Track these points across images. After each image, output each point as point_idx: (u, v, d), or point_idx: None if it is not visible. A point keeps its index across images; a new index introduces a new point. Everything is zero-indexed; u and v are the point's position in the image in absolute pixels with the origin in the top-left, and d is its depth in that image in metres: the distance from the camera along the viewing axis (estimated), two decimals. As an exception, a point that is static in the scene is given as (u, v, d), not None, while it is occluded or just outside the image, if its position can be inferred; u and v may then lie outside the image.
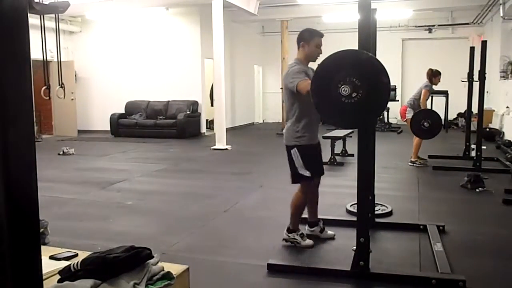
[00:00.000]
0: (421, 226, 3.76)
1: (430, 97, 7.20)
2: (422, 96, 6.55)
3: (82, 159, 7.91)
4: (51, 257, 2.24)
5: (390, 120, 12.60)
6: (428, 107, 6.98)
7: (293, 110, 3.30)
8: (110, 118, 11.35)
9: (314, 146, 3.38)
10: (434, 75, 6.69)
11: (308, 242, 3.42)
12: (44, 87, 3.79)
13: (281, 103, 12.85)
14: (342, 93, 2.62)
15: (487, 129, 9.56)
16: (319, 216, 3.71)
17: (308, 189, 3.41)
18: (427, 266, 3.07)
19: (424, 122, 6.18)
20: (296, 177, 3.34)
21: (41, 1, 1.57)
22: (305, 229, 3.61)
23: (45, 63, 3.65)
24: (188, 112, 11.03)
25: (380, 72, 2.66)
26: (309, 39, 3.34)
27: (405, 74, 14.09)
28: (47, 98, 3.88)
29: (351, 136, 7.46)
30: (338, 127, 3.28)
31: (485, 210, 4.50)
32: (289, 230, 3.46)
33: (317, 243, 3.54)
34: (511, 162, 6.68)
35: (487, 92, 7.94)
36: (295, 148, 3.28)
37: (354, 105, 2.64)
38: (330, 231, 3.69)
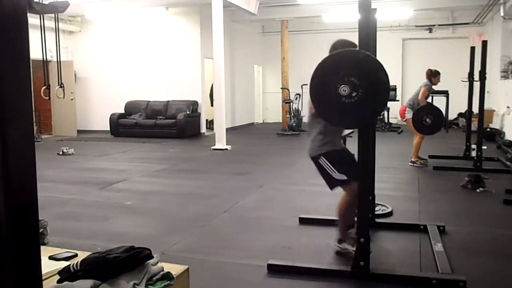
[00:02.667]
0: (422, 226, 3.76)
1: (430, 97, 7.20)
2: (420, 94, 6.54)
3: (82, 159, 7.91)
4: (51, 257, 2.24)
5: (390, 120, 12.59)
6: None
7: (318, 126, 3.21)
8: (110, 118, 11.35)
9: (338, 150, 3.27)
10: (433, 75, 6.69)
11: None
12: (44, 87, 3.79)
13: (281, 103, 12.86)
14: (342, 93, 2.62)
15: (488, 129, 9.56)
16: (319, 216, 3.70)
17: (352, 191, 3.17)
18: (427, 266, 3.07)
19: (426, 118, 6.18)
20: (334, 184, 3.20)
21: (40, 1, 1.57)
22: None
23: (45, 63, 3.64)
24: (188, 112, 11.03)
25: (378, 70, 2.66)
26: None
27: (405, 74, 14.09)
28: (47, 98, 3.88)
29: (351, 136, 7.44)
30: (339, 127, 3.23)
31: (485, 210, 4.50)
32: (339, 241, 3.29)
33: (317, 243, 3.54)
34: (512, 162, 6.68)
35: (487, 92, 7.93)
36: (322, 157, 3.18)
37: (354, 104, 2.64)
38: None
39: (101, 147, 9.64)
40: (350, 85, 2.61)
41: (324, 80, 2.72)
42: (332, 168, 3.15)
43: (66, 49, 12.04)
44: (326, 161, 3.17)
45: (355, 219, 3.33)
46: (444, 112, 11.30)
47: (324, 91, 2.73)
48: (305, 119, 12.93)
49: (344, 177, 3.15)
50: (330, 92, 2.66)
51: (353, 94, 2.63)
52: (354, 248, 3.06)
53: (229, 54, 12.22)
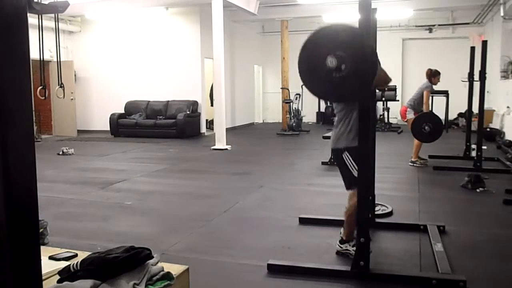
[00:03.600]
0: (422, 226, 3.76)
1: (430, 97, 7.19)
2: (424, 99, 6.50)
3: (82, 159, 7.90)
4: (51, 257, 2.24)
5: (390, 120, 12.59)
6: (429, 107, 6.96)
7: (346, 116, 3.16)
8: (110, 118, 11.35)
9: None
10: (433, 75, 6.68)
11: None
12: (40, 87, 3.78)
13: (281, 103, 12.86)
14: (329, 65, 2.63)
15: (488, 129, 9.56)
16: (319, 216, 3.70)
17: None
18: (427, 266, 3.07)
19: (425, 126, 6.17)
20: (351, 182, 3.14)
21: (40, 1, 1.57)
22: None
23: (42, 63, 3.64)
24: (188, 112, 11.03)
25: (362, 40, 2.70)
26: None
27: (405, 74, 14.09)
28: (43, 98, 3.87)
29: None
30: (332, 101, 3.22)
31: (485, 210, 4.50)
32: (341, 241, 3.28)
33: (316, 243, 3.54)
34: None
35: (487, 92, 7.93)
36: (346, 152, 3.13)
37: (344, 77, 2.66)
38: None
39: (101, 147, 9.64)
40: (337, 58, 2.63)
41: (311, 55, 2.74)
42: (354, 165, 3.08)
43: (66, 49, 12.05)
44: (350, 157, 3.12)
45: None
46: (443, 116, 11.35)
47: (312, 67, 2.75)
48: (305, 119, 12.91)
49: None
50: (319, 67, 2.68)
51: (342, 67, 2.65)
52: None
53: (229, 54, 12.23)
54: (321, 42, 2.77)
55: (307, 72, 2.81)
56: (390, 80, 3.38)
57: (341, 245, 3.27)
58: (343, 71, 2.65)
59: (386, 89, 12.12)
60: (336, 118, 3.25)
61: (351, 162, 3.11)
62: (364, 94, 2.88)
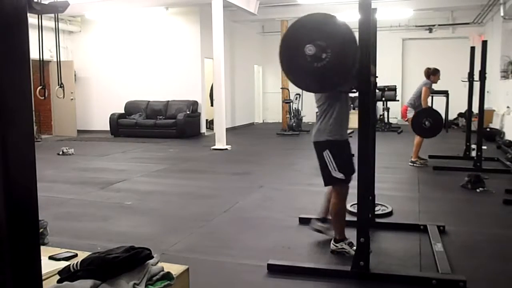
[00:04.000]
0: (422, 226, 3.76)
1: (430, 97, 7.19)
2: (422, 95, 6.53)
3: (82, 159, 7.90)
4: (51, 257, 2.24)
5: (390, 120, 12.59)
6: (428, 103, 6.96)
7: (327, 110, 3.17)
8: (110, 118, 11.35)
9: (345, 141, 3.25)
10: (432, 73, 6.67)
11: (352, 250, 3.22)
12: (40, 87, 3.77)
13: (281, 103, 12.86)
14: (308, 52, 2.64)
15: (488, 129, 9.56)
16: (319, 216, 3.70)
17: (345, 191, 3.23)
18: (427, 266, 3.07)
19: (426, 121, 6.18)
20: (329, 180, 3.19)
21: (40, 1, 1.57)
22: (314, 225, 3.52)
23: (42, 63, 3.63)
24: (188, 112, 11.03)
25: (339, 25, 2.75)
26: None
27: (405, 74, 14.09)
28: (43, 98, 3.87)
29: (351, 136, 7.45)
30: (314, 92, 3.22)
31: (485, 210, 4.50)
32: (336, 240, 3.29)
33: (317, 243, 3.54)
34: None
35: (487, 92, 7.93)
36: (327, 150, 3.14)
37: (326, 66, 2.67)
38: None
39: (101, 147, 9.64)
40: (317, 47, 2.64)
41: (291, 45, 2.76)
42: (334, 164, 3.12)
43: (66, 49, 12.05)
44: (330, 156, 3.13)
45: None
46: (443, 115, 11.35)
47: (293, 57, 2.75)
48: (305, 119, 12.91)
49: (341, 176, 3.15)
50: (299, 57, 2.69)
51: (323, 56, 2.66)
52: (354, 251, 3.06)
53: (229, 54, 12.22)
54: (302, 32, 2.79)
55: (288, 62, 2.83)
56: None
57: (336, 244, 3.28)
58: (324, 60, 2.67)
59: (386, 89, 12.15)
60: (318, 112, 3.25)
61: (331, 161, 3.13)
62: (345, 84, 2.92)
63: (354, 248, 3.16)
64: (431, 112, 6.38)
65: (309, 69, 2.72)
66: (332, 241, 3.31)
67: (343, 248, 3.24)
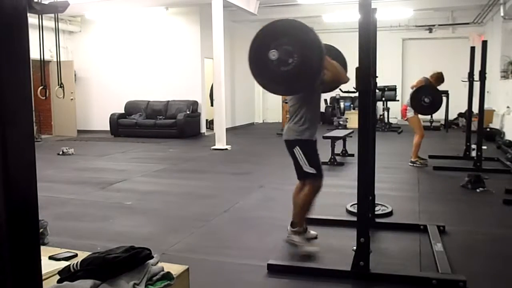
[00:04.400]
0: (422, 226, 3.76)
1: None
2: (416, 81, 6.57)
3: (82, 159, 7.90)
4: (51, 258, 2.24)
5: (390, 120, 12.59)
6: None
7: (298, 110, 3.26)
8: (110, 118, 11.35)
9: (314, 142, 3.35)
10: (436, 79, 6.65)
11: (311, 249, 3.30)
12: (41, 87, 3.78)
13: (282, 103, 12.85)
14: (271, 57, 2.74)
15: (488, 129, 9.56)
16: (319, 216, 3.71)
17: (317, 185, 3.33)
18: (427, 266, 3.07)
19: (425, 98, 6.18)
20: (301, 174, 3.31)
21: (40, 1, 1.57)
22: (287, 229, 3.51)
23: (42, 63, 3.64)
24: (188, 112, 11.03)
25: (306, 31, 2.80)
26: None
27: (405, 74, 14.09)
28: (44, 98, 3.88)
29: (351, 136, 7.47)
30: (281, 95, 3.35)
31: (485, 210, 4.50)
32: (293, 224, 3.37)
33: (317, 243, 3.54)
34: None
35: (487, 92, 7.93)
36: (297, 147, 3.26)
37: (292, 71, 2.77)
38: (313, 232, 3.67)
39: (101, 147, 9.64)
40: (283, 52, 2.74)
41: (259, 50, 2.84)
42: (305, 160, 3.24)
43: (66, 49, 12.05)
44: (301, 152, 3.25)
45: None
46: (443, 116, 11.35)
47: (261, 61, 2.84)
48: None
49: (313, 171, 3.26)
50: (267, 62, 2.79)
51: (289, 61, 2.75)
52: (307, 248, 3.26)
53: (229, 54, 12.21)
54: (269, 37, 2.88)
55: (257, 66, 2.93)
56: (346, 79, 3.40)
57: (293, 229, 3.37)
58: (290, 64, 2.77)
59: (386, 89, 12.15)
60: (290, 112, 3.36)
61: (302, 156, 3.25)
62: (310, 88, 3.04)
63: (309, 244, 3.29)
64: (430, 89, 6.36)
65: (276, 73, 2.84)
66: (290, 226, 3.39)
67: (296, 241, 3.34)
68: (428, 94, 6.21)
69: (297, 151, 3.26)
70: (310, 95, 3.26)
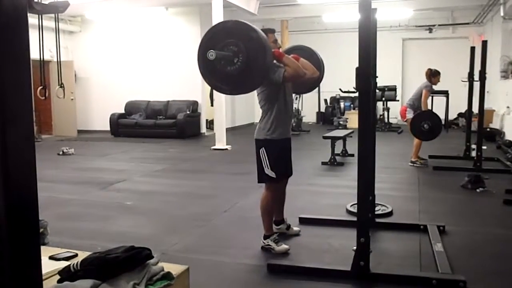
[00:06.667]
0: (422, 226, 3.76)
1: (430, 97, 7.19)
2: (423, 97, 6.53)
3: (82, 159, 7.90)
4: (51, 257, 2.24)
5: (390, 120, 12.59)
6: (429, 107, 6.97)
7: (267, 110, 3.29)
8: (110, 118, 11.35)
9: (284, 141, 3.35)
10: (433, 75, 6.67)
11: (282, 247, 3.32)
12: (40, 87, 3.78)
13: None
14: (209, 57, 2.82)
15: (488, 129, 9.56)
16: (319, 216, 3.71)
17: (275, 190, 3.38)
18: (427, 266, 3.07)
19: (424, 124, 6.18)
20: (261, 177, 3.34)
21: (40, 1, 1.57)
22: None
23: (42, 63, 3.64)
24: (188, 112, 11.03)
25: (248, 31, 2.89)
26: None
27: (405, 74, 14.09)
28: (43, 98, 3.88)
29: (351, 136, 7.46)
30: (228, 94, 3.47)
31: (485, 210, 4.50)
32: (264, 237, 3.39)
33: (316, 243, 3.54)
34: (512, 162, 6.68)
35: (487, 92, 7.93)
36: (263, 147, 3.28)
37: (240, 70, 2.86)
38: (296, 228, 3.71)
39: (101, 147, 9.64)
40: (229, 52, 2.85)
41: (206, 50, 2.88)
42: (267, 162, 3.26)
43: (66, 49, 12.04)
44: (265, 154, 3.27)
45: (284, 216, 3.64)
46: (443, 116, 11.34)
47: (208, 61, 2.89)
48: (305, 119, 12.92)
49: (273, 175, 3.28)
50: (215, 64, 2.89)
51: (235, 61, 2.84)
52: (278, 247, 3.28)
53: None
54: (215, 38, 2.97)
55: (204, 66, 3.01)
56: (315, 74, 3.44)
57: (264, 241, 3.37)
58: (235, 64, 2.85)
59: (386, 89, 12.15)
60: (261, 112, 3.39)
61: (266, 159, 3.27)
62: (258, 86, 3.12)
63: (280, 245, 3.31)
64: (430, 115, 6.37)
65: (222, 73, 2.93)
66: (262, 238, 3.40)
67: (269, 245, 3.33)
68: (428, 120, 6.22)
69: (262, 152, 3.28)
70: (276, 93, 3.25)
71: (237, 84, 3.02)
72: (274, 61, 3.14)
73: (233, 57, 2.86)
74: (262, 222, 3.41)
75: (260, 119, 3.36)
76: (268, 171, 3.27)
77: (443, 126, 6.72)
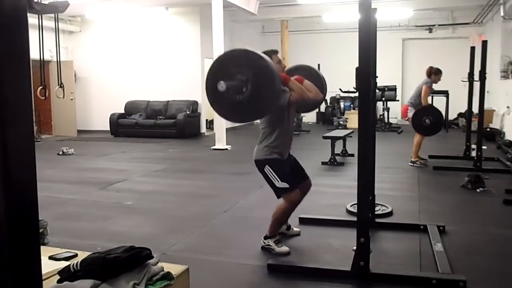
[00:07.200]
0: (422, 226, 3.76)
1: (430, 97, 7.19)
2: (423, 93, 6.54)
3: (82, 159, 7.90)
4: (51, 257, 2.24)
5: (390, 120, 12.59)
6: (428, 102, 6.97)
7: (270, 134, 3.31)
8: (110, 118, 11.35)
9: (284, 161, 3.38)
10: (434, 73, 6.67)
11: (283, 249, 3.32)
12: (40, 87, 3.78)
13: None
14: (220, 89, 2.81)
15: (488, 129, 9.56)
16: (319, 216, 3.71)
17: (294, 199, 3.35)
18: (427, 266, 3.07)
19: (426, 119, 6.20)
20: (277, 192, 3.32)
21: (40, 1, 1.57)
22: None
23: (42, 63, 3.63)
24: (188, 112, 11.03)
25: (256, 60, 2.86)
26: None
27: (405, 74, 14.09)
28: (43, 98, 3.88)
29: (351, 136, 7.47)
30: (236, 122, 3.44)
31: (485, 210, 4.50)
32: (265, 237, 3.39)
33: (316, 243, 3.54)
34: (512, 162, 6.68)
35: (487, 92, 7.93)
36: (266, 165, 3.28)
37: (246, 99, 2.83)
38: (296, 228, 3.72)
39: (101, 147, 9.64)
40: (237, 81, 2.82)
41: (215, 79, 2.89)
42: (276, 176, 3.26)
43: (66, 49, 12.04)
44: (271, 170, 3.28)
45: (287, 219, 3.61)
46: (443, 113, 11.35)
47: (216, 90, 2.88)
48: (305, 119, 12.91)
49: (286, 185, 3.27)
50: (223, 92, 2.85)
51: (244, 90, 2.82)
52: (279, 248, 3.29)
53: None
54: (224, 66, 2.96)
55: (213, 95, 2.97)
56: (319, 97, 3.47)
57: (264, 240, 3.37)
58: (245, 93, 2.83)
59: (386, 89, 12.15)
60: (261, 133, 3.41)
61: (273, 174, 3.28)
62: (268, 113, 3.13)
63: (281, 246, 3.32)
64: (431, 110, 6.39)
65: (231, 102, 2.90)
66: (263, 238, 3.39)
67: (269, 245, 3.34)
68: (429, 115, 6.24)
69: (267, 169, 3.28)
70: (281, 118, 3.29)
71: (246, 112, 2.99)
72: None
73: (242, 86, 2.83)
74: (270, 225, 3.38)
75: (260, 141, 3.37)
76: (279, 184, 3.26)
77: (444, 121, 6.74)
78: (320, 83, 3.68)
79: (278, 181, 3.26)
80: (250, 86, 2.82)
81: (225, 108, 3.03)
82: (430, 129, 6.31)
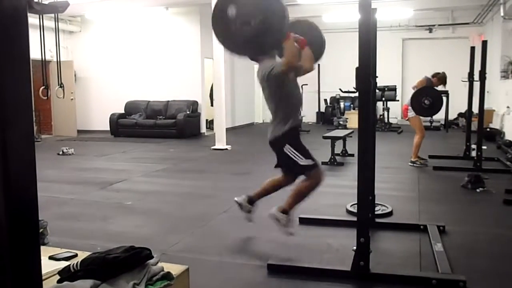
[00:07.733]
0: (422, 226, 3.75)
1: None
2: (417, 82, 6.59)
3: (82, 159, 7.90)
4: (51, 257, 2.24)
5: (390, 120, 12.59)
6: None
7: (277, 110, 3.29)
8: (110, 118, 11.35)
9: (297, 128, 3.38)
10: (438, 78, 6.68)
11: (291, 230, 3.32)
12: (42, 87, 3.79)
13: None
14: (229, 14, 2.88)
15: (488, 129, 9.56)
16: (319, 216, 3.70)
17: (319, 176, 3.27)
18: (427, 266, 3.07)
19: (425, 100, 6.20)
20: (298, 170, 3.25)
21: (40, 1, 1.57)
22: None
23: (44, 63, 3.64)
24: (188, 112, 11.03)
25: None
26: None
27: (405, 74, 14.09)
28: (45, 98, 3.88)
29: (351, 136, 7.46)
30: (241, 55, 3.41)
31: (485, 210, 4.50)
32: (283, 211, 3.35)
33: (316, 243, 3.54)
34: (512, 162, 6.68)
35: (487, 92, 7.93)
36: (287, 145, 3.23)
37: (254, 30, 2.89)
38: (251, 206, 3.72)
39: (101, 147, 9.64)
40: (244, 13, 2.89)
41: (222, 14, 2.95)
42: (298, 154, 3.19)
43: (66, 49, 12.04)
44: (291, 149, 3.21)
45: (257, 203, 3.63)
46: (443, 118, 11.35)
47: (224, 24, 2.95)
48: (305, 119, 12.95)
49: (311, 162, 3.22)
50: (230, 24, 2.92)
51: (251, 23, 2.88)
52: (288, 227, 3.29)
53: (229, 54, 12.21)
54: (230, 1, 2.98)
55: (221, 30, 3.03)
56: (310, 68, 3.44)
57: (279, 213, 3.34)
58: (251, 24, 2.87)
59: (386, 89, 12.15)
60: (272, 114, 3.37)
61: (295, 153, 3.20)
62: (270, 48, 3.16)
63: (291, 225, 3.32)
64: (429, 91, 6.38)
65: (240, 33, 2.94)
66: (277, 209, 3.37)
67: (282, 219, 3.32)
68: (428, 96, 6.23)
69: (288, 149, 3.22)
70: (279, 91, 3.26)
71: (254, 44, 3.00)
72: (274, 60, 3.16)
73: (251, 18, 2.86)
74: (291, 200, 3.32)
75: (273, 118, 3.34)
76: (304, 161, 3.18)
77: (443, 102, 6.75)
78: (319, 39, 3.72)
79: (302, 159, 3.17)
80: (258, 19, 2.85)
81: (235, 41, 3.06)
82: (429, 110, 6.31)
